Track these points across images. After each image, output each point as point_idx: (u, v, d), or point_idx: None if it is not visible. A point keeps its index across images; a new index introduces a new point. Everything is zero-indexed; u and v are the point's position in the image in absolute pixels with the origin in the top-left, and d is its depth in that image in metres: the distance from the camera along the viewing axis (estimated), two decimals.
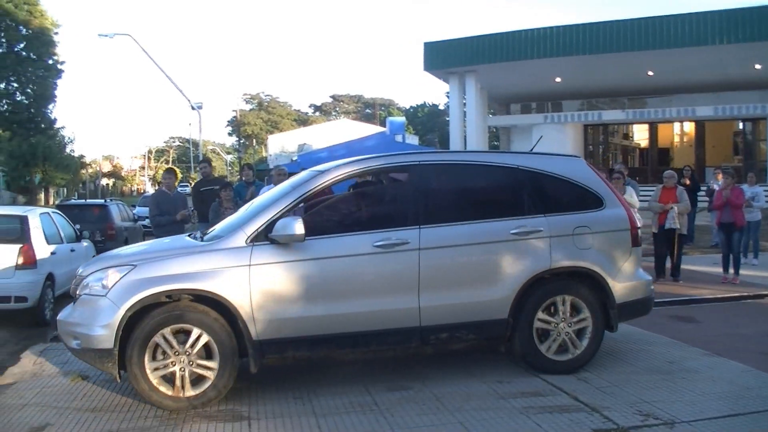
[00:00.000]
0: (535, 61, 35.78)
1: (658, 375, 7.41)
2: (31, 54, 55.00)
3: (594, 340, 7.50)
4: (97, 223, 19.53)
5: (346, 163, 7.72)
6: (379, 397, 6.88)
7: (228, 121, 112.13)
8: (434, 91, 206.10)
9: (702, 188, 20.70)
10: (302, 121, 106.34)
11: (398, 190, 8.23)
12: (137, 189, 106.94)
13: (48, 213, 13.40)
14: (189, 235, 8.06)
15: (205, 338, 6.64)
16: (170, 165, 63.48)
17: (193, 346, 6.63)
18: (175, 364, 6.62)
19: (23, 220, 11.94)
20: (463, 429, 5.98)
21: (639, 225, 8.11)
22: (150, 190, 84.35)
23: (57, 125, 60.24)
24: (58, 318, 7.21)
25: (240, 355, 6.81)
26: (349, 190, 9.03)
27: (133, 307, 6.53)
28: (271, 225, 6.86)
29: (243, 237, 6.88)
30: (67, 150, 63.31)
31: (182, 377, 6.62)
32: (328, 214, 7.91)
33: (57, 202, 44.84)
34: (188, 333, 6.65)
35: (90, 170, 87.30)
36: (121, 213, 21.97)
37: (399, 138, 25.27)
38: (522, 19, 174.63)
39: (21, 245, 11.41)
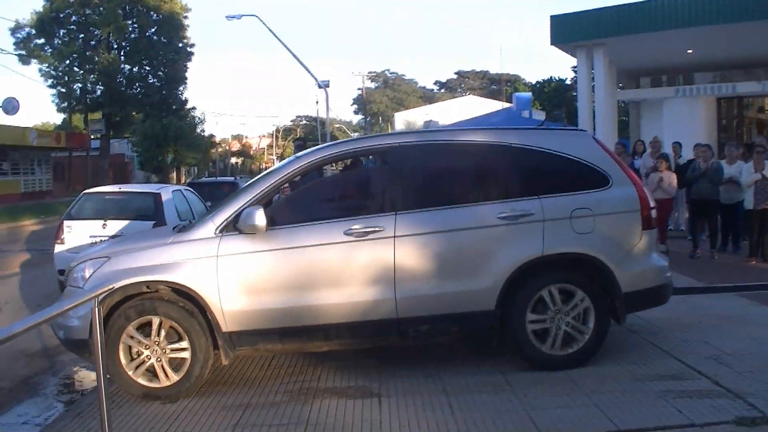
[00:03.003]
0: (666, 33, 34.27)
1: None
2: (162, 38, 56.57)
3: (596, 333, 6.92)
4: None
5: (323, 147, 7.57)
6: (511, 377, 6.75)
7: (353, 99, 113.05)
8: (561, 66, 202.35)
9: None
10: (428, 98, 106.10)
11: (374, 175, 7.89)
12: (265, 167, 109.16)
13: (180, 190, 13.83)
14: (176, 227, 7.96)
15: (167, 324, 6.62)
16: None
17: (158, 334, 6.63)
18: (150, 358, 6.64)
19: (157, 197, 12.34)
20: (599, 412, 5.76)
21: (652, 204, 7.38)
22: None
23: (188, 106, 61.98)
24: None
25: (213, 347, 6.73)
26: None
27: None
28: (239, 215, 6.73)
29: (212, 227, 6.78)
30: (198, 130, 65.33)
31: (161, 366, 6.64)
32: (299, 201, 7.67)
33: (188, 180, 46.21)
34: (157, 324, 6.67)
35: (219, 149, 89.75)
36: None
37: (526, 114, 24.85)
38: None
39: (154, 222, 11.76)
